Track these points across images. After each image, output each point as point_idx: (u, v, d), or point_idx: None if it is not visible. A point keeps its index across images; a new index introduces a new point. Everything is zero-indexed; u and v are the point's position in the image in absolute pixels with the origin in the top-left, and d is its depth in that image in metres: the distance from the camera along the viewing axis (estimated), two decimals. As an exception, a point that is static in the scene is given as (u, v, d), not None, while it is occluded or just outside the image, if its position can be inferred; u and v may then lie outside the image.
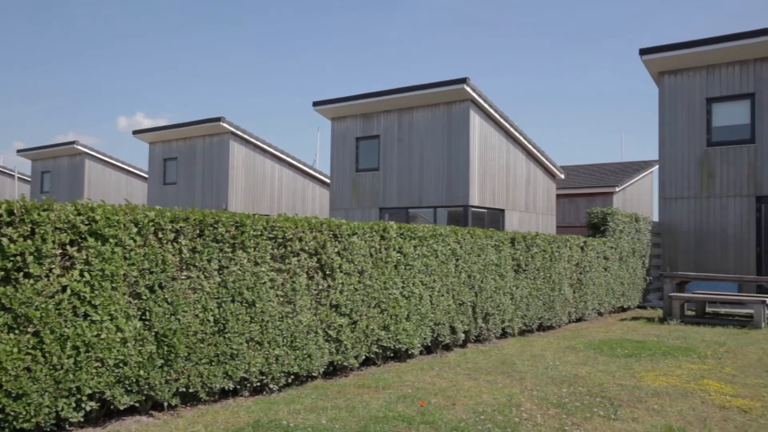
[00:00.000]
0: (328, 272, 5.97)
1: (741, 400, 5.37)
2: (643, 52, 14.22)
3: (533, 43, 77.35)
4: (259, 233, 5.36)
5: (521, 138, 18.41)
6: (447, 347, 7.83)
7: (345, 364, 6.13)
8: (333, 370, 6.24)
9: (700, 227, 13.98)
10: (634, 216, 13.02)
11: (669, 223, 14.37)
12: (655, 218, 16.20)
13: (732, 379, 6.21)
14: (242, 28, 78.18)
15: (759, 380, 6.20)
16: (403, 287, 6.86)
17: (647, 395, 5.49)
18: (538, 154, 19.35)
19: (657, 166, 18.41)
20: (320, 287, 5.90)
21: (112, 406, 4.42)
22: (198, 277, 4.89)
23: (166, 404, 4.72)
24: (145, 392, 4.54)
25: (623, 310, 12.79)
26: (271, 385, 5.43)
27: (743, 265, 13.39)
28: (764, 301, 10.18)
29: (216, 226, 5.04)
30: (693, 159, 14.14)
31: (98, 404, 4.31)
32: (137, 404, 4.59)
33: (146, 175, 26.48)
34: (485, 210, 17.20)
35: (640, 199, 25.21)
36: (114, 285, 4.35)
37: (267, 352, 5.36)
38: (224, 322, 5.04)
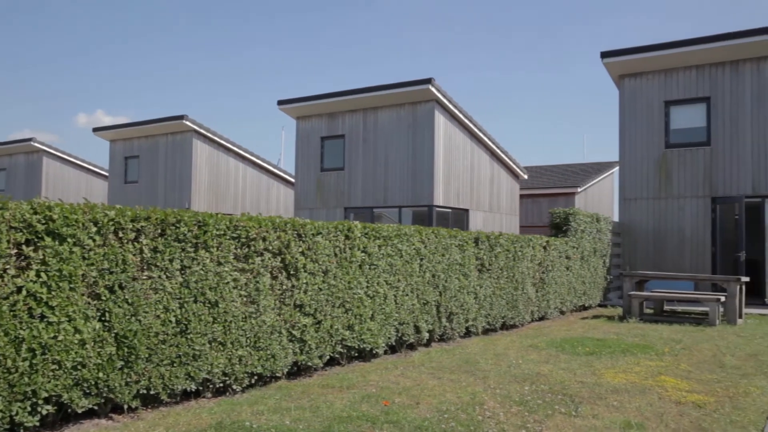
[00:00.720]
0: (292, 272, 5.94)
1: (696, 396, 5.52)
2: (604, 55, 14.52)
3: (498, 41, 78.26)
4: (222, 233, 5.30)
5: (485, 138, 18.59)
6: (411, 346, 7.86)
7: (309, 364, 6.11)
8: (297, 371, 6.21)
9: (659, 227, 14.33)
10: (595, 216, 13.26)
11: (629, 223, 14.69)
12: (616, 218, 16.55)
13: (688, 376, 6.38)
14: (206, 26, 77.24)
15: (713, 376, 6.39)
16: (367, 287, 6.86)
17: (607, 392, 5.60)
18: (502, 155, 19.57)
19: (617, 168, 18.81)
20: (284, 287, 5.87)
21: (69, 410, 4.32)
22: (159, 277, 4.82)
23: (126, 407, 4.63)
24: (105, 395, 4.45)
25: (585, 308, 13.02)
26: (234, 386, 5.37)
27: (699, 264, 13.77)
28: (719, 299, 10.48)
29: (178, 225, 4.97)
30: (652, 160, 14.48)
31: (55, 408, 4.21)
32: (96, 407, 4.49)
33: (107, 174, 25.93)
34: (450, 210, 17.33)
35: (602, 199, 25.71)
36: (72, 285, 4.25)
37: (230, 353, 5.30)
38: (186, 322, 4.97)
